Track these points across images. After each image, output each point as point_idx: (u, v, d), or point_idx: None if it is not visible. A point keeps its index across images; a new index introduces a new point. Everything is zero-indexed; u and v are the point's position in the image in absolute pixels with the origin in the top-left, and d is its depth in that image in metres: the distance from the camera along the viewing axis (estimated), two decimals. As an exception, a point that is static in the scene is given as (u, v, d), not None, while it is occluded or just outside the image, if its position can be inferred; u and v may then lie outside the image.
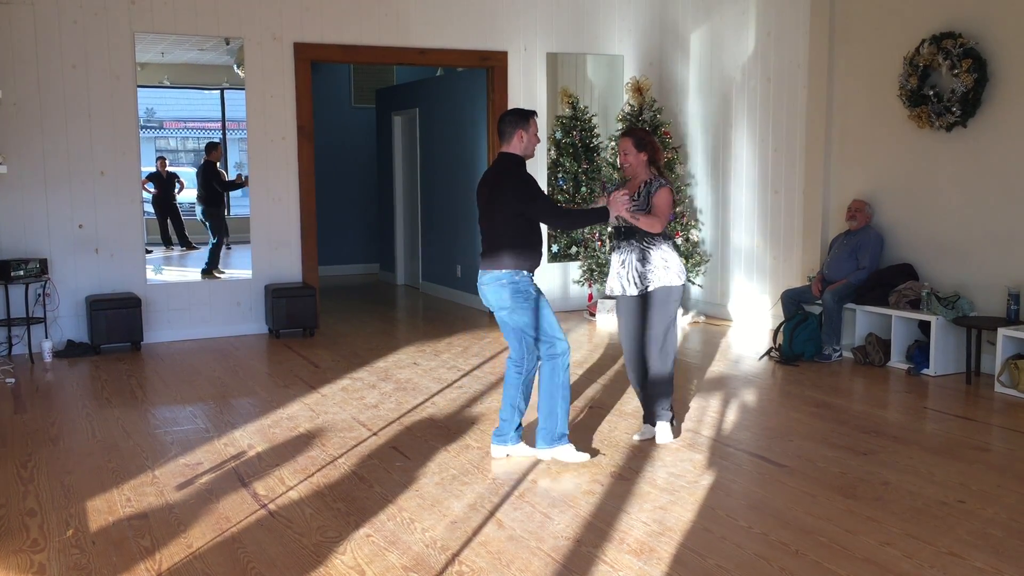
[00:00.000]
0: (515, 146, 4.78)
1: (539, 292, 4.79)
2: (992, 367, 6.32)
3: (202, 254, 11.27)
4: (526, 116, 4.81)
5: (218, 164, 10.85)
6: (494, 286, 4.72)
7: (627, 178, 5.19)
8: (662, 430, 5.06)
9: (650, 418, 5.13)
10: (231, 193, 11.19)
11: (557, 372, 4.74)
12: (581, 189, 9.37)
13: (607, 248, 5.28)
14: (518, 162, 4.79)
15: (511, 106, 8.89)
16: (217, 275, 10.03)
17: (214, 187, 10.51)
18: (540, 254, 4.84)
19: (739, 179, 8.68)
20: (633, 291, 5.02)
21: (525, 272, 4.74)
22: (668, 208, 4.98)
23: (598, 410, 5.72)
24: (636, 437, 5.13)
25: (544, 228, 4.89)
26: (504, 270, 4.70)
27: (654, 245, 4.97)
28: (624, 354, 5.22)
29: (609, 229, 5.16)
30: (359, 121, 12.66)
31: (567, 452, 4.77)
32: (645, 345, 5.05)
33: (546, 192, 9.17)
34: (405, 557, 3.65)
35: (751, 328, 8.42)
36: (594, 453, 4.89)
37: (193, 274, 10.66)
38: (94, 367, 7.13)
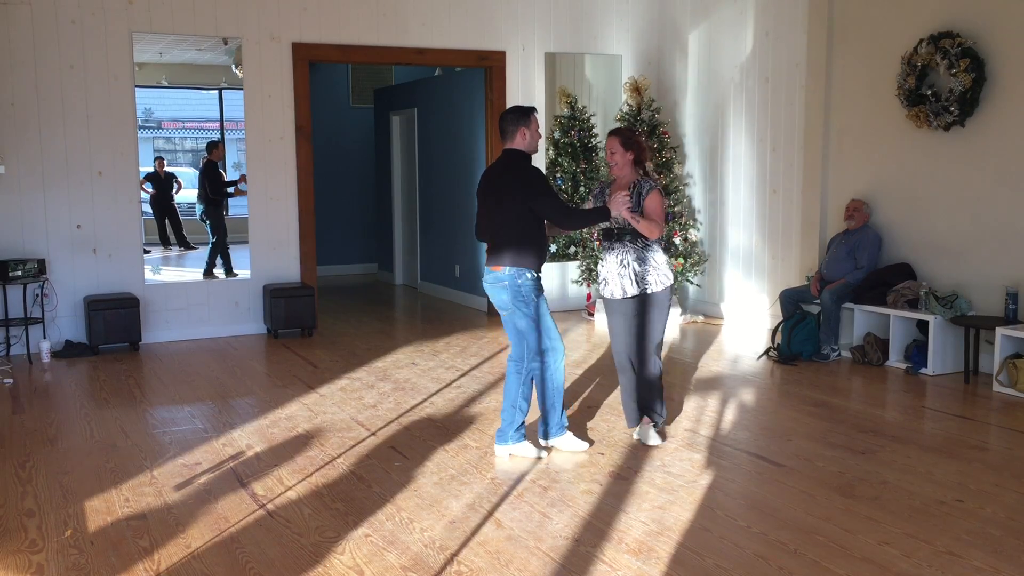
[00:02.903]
0: (519, 143, 4.76)
1: (540, 295, 4.76)
2: (990, 366, 6.32)
3: (200, 254, 11.26)
4: (527, 113, 4.80)
5: (219, 163, 10.85)
6: (496, 287, 4.75)
7: (613, 177, 5.13)
8: (654, 432, 5.04)
9: (646, 417, 5.07)
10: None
11: (552, 374, 4.81)
12: (580, 189, 9.37)
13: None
14: (525, 157, 4.78)
15: (509, 106, 8.88)
16: (217, 275, 10.01)
17: (215, 186, 10.50)
18: (545, 252, 4.83)
19: (737, 179, 8.68)
20: (633, 292, 4.94)
21: (529, 271, 4.70)
22: (662, 211, 4.93)
23: (596, 409, 5.72)
24: (637, 436, 5.10)
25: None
26: (506, 269, 4.69)
27: (649, 246, 4.94)
28: (616, 356, 5.11)
29: (601, 228, 5.08)
30: (357, 121, 12.66)
31: (567, 440, 4.90)
32: (641, 346, 4.98)
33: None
34: (404, 557, 3.65)
35: (749, 328, 8.43)
36: (591, 443, 4.99)
37: (193, 274, 10.64)
38: (92, 367, 7.12)
